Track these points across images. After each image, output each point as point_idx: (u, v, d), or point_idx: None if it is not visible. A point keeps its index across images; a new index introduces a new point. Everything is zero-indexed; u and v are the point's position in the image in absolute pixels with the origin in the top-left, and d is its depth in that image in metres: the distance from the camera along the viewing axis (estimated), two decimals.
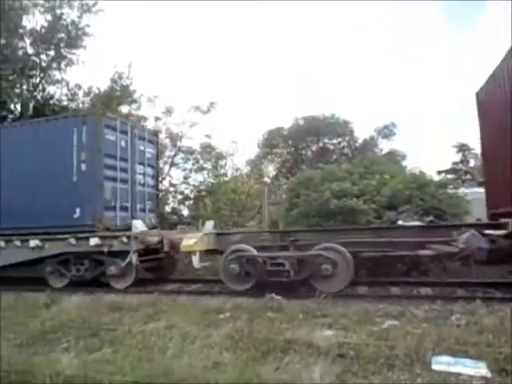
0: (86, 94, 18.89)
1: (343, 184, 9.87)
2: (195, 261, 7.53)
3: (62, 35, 17.54)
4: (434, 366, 3.42)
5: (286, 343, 4.15)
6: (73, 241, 8.42)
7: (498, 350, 3.58)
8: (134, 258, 8.15)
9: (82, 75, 32.82)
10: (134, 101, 19.56)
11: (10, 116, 17.38)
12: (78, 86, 18.73)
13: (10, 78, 16.18)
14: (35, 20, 17.75)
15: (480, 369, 3.35)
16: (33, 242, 8.69)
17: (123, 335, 4.82)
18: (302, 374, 3.45)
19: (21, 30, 17.18)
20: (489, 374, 3.28)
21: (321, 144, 28.64)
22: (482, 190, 14.47)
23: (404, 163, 21.03)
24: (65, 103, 18.47)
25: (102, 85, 19.54)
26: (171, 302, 6.46)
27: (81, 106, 18.45)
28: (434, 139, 48.80)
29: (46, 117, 9.07)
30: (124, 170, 9.45)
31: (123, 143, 9.45)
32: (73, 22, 17.70)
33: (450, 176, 25.34)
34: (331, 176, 10.45)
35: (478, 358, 3.49)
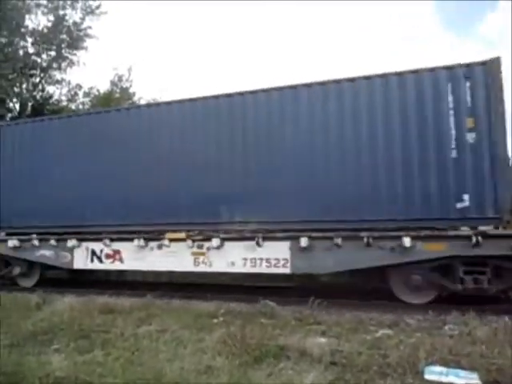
0: (87, 95, 18.98)
1: None
2: None
3: (64, 36, 17.65)
4: (427, 376, 3.42)
5: (279, 349, 4.13)
6: (479, 240, 5.95)
7: (490, 361, 3.59)
8: None
9: (83, 76, 32.90)
10: (134, 103, 19.62)
11: (9, 114, 17.38)
12: (79, 87, 18.83)
13: (10, 76, 16.22)
14: (38, 20, 17.86)
15: (472, 380, 3.34)
16: (407, 241, 6.24)
17: (115, 338, 4.78)
18: (295, 381, 3.43)
19: (23, 30, 17.25)
20: None
21: None
22: None
23: None
24: (64, 103, 18.52)
25: (102, 86, 19.64)
26: (164, 306, 6.43)
27: (80, 106, 18.51)
28: None
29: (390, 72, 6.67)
30: None
31: None
32: (75, 24, 17.83)
33: None
34: None
35: (471, 369, 3.49)
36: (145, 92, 36.94)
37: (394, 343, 4.23)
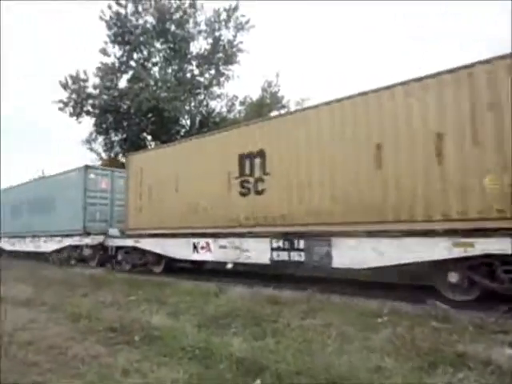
0: (242, 104, 20.87)
1: None
2: None
3: (221, 55, 19.79)
4: None
5: (457, 357, 3.74)
6: None
7: None
8: None
9: (235, 86, 36.19)
10: (283, 106, 20.60)
11: (182, 130, 20.44)
12: (235, 98, 20.86)
13: (182, 97, 19.04)
14: (199, 45, 20.52)
15: None
16: None
17: (283, 328, 5.10)
18: None
19: (189, 56, 20.06)
20: None
21: None
22: None
23: None
24: (224, 115, 20.77)
25: (254, 93, 21.29)
26: (325, 300, 6.55)
27: (237, 115, 20.46)
28: None
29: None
30: None
31: None
32: (229, 42, 19.78)
33: None
34: None
35: None
36: (293, 93, 38.30)
37: None
